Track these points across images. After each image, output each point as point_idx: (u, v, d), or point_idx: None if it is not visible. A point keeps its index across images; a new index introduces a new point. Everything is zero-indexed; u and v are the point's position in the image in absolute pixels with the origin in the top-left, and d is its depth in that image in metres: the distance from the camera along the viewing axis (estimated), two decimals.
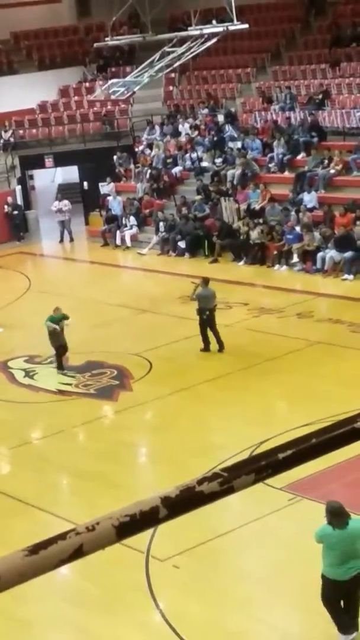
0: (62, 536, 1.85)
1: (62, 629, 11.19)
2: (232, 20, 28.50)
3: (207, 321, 19.82)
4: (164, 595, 11.32)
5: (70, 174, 38.04)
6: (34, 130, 36.69)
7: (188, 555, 12.00)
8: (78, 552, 1.85)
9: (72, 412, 17.76)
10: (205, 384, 18.14)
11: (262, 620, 10.69)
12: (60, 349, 19.56)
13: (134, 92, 35.49)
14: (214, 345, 19.87)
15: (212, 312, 19.89)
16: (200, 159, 32.42)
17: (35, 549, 1.83)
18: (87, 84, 39.28)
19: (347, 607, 9.91)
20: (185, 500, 1.93)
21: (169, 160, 33.17)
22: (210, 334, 19.93)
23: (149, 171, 33.16)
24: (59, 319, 19.52)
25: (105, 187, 33.78)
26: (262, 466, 1.98)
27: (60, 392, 18.78)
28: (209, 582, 11.52)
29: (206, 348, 19.93)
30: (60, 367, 19.59)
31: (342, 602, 9.91)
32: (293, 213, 27.38)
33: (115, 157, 34.79)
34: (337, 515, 9.64)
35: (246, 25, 29.30)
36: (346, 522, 9.63)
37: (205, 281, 20.38)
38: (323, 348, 19.65)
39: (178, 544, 11.99)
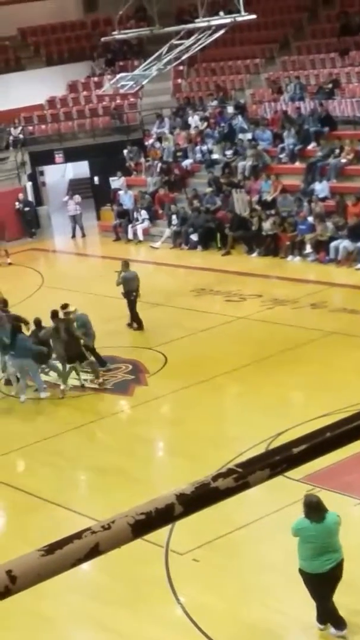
0: (78, 535, 1.85)
1: (83, 624, 11.23)
2: (239, 11, 28.40)
3: (134, 302, 21.05)
4: (184, 589, 11.33)
5: (80, 169, 38.03)
6: (43, 126, 36.67)
7: (207, 549, 12.01)
8: (94, 551, 1.84)
9: (89, 408, 17.79)
10: (221, 376, 18.12)
11: (282, 611, 10.69)
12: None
13: (142, 86, 35.45)
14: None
15: (137, 294, 21.02)
16: (210, 151, 32.36)
17: (51, 549, 1.82)
18: (96, 79, 39.21)
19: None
20: (201, 497, 1.92)
21: (179, 153, 33.13)
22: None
23: (160, 164, 33.12)
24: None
25: (116, 182, 33.73)
26: (276, 461, 1.97)
27: (76, 387, 18.79)
28: (228, 575, 11.52)
29: (139, 327, 21.22)
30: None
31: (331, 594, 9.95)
32: (305, 203, 27.31)
33: (125, 151, 34.75)
34: (315, 509, 9.81)
35: (254, 16, 29.17)
36: (323, 516, 9.75)
37: (126, 264, 21.46)
38: (338, 338, 19.60)
39: (197, 537, 12.00)
